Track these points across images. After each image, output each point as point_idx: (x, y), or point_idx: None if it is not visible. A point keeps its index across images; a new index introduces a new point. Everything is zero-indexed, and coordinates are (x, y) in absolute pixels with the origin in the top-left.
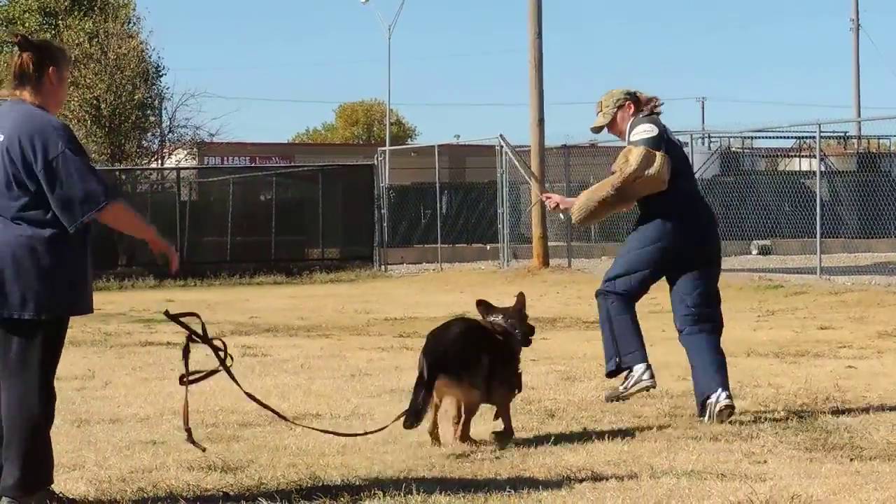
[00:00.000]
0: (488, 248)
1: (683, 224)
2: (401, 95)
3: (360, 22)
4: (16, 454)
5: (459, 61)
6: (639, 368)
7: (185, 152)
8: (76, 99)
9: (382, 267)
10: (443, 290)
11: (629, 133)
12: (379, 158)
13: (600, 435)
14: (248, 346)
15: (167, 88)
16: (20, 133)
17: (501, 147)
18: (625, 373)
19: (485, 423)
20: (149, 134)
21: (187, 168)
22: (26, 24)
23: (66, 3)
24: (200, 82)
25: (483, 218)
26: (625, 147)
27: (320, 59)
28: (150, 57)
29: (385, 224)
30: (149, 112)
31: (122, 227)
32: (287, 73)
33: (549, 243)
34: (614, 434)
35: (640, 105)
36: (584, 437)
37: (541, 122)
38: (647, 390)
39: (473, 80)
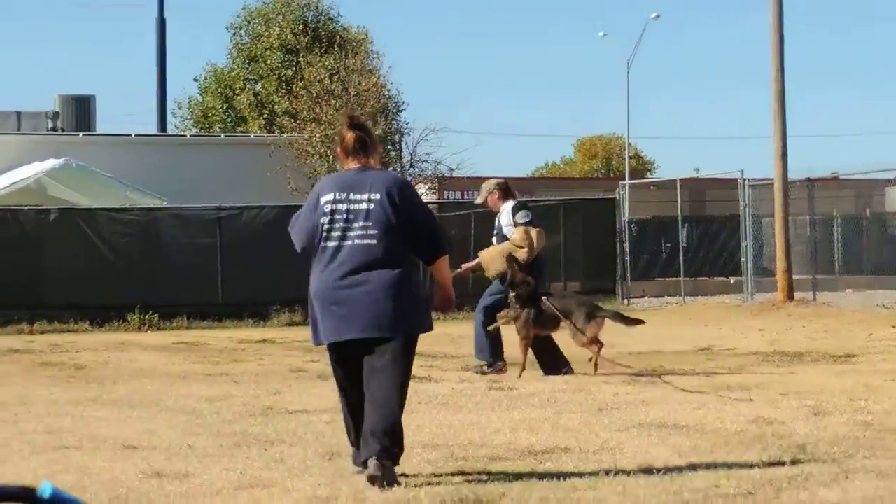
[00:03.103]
0: (732, 281)
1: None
2: (639, 128)
3: (599, 56)
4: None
5: (698, 94)
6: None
7: (427, 187)
8: (318, 135)
9: (625, 300)
10: (686, 324)
11: (513, 214)
12: (620, 192)
13: (854, 470)
14: (495, 381)
15: (407, 123)
16: (389, 189)
17: (744, 181)
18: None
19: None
20: (390, 168)
21: (429, 203)
22: (268, 62)
23: (306, 41)
24: (441, 117)
25: (724, 251)
26: (518, 226)
27: (559, 93)
28: (389, 92)
29: (627, 257)
30: (389, 147)
31: (442, 272)
32: (526, 108)
33: (794, 276)
34: (868, 470)
35: (509, 192)
36: (838, 472)
37: (784, 155)
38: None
39: (712, 113)
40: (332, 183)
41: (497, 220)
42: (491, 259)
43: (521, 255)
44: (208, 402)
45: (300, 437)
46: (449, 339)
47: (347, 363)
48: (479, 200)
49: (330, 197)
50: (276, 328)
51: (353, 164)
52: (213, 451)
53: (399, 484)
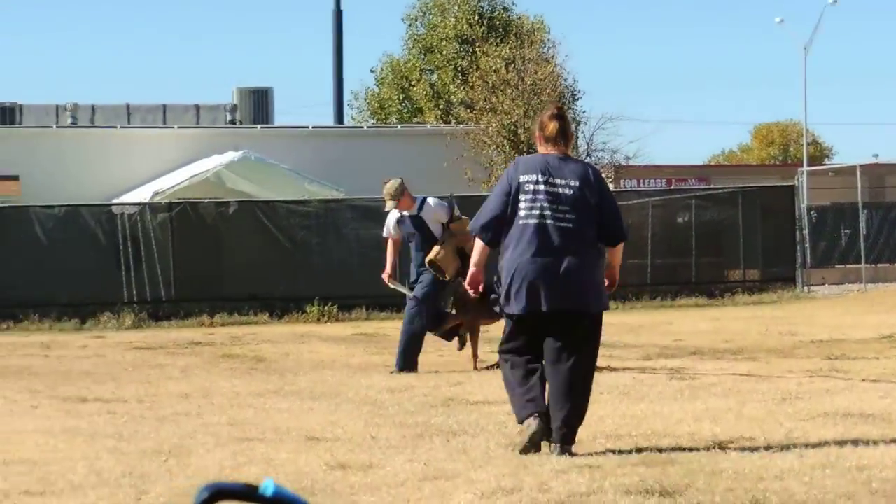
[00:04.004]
0: None
1: None
2: (817, 114)
3: (776, 42)
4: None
5: (877, 79)
6: None
7: (604, 176)
8: (495, 124)
9: (805, 288)
10: (869, 311)
11: (446, 208)
12: (798, 179)
13: None
14: (675, 370)
15: (584, 112)
16: (586, 177)
17: None
18: None
19: None
20: (574, 145)
21: None
22: (444, 52)
23: (481, 31)
24: (617, 106)
25: None
26: (461, 219)
27: (736, 79)
28: (565, 81)
29: (807, 245)
30: None
31: (617, 255)
32: (703, 95)
33: None
34: None
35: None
36: None
37: None
38: None
39: (891, 99)
40: (533, 165)
41: (398, 221)
42: (448, 262)
43: (469, 243)
44: (389, 393)
45: (482, 427)
46: (628, 327)
47: (531, 334)
48: (389, 207)
49: (533, 178)
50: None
51: (552, 151)
52: (396, 442)
53: (573, 454)
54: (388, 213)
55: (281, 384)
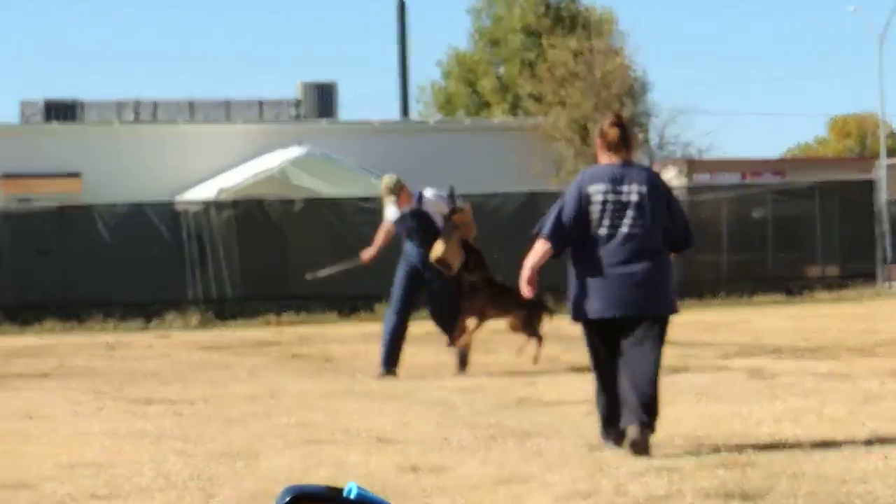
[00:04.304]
0: None
1: None
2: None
3: (850, 31)
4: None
5: None
6: None
7: (676, 170)
8: (563, 118)
9: (886, 284)
10: None
11: (445, 198)
12: (876, 172)
13: None
14: (754, 369)
15: (654, 105)
16: (651, 184)
17: None
18: None
19: None
20: (637, 152)
21: (678, 187)
22: (510, 44)
23: (548, 23)
24: (690, 97)
25: None
26: (464, 209)
27: (810, 70)
28: (635, 73)
29: (886, 240)
30: (636, 129)
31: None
32: (777, 87)
33: None
34: None
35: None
36: None
37: None
38: None
39: None
40: (599, 175)
41: (398, 221)
42: (454, 255)
43: (472, 234)
44: (461, 394)
45: (557, 429)
46: (704, 325)
47: (608, 339)
48: (388, 202)
49: (601, 188)
50: None
51: (614, 159)
52: (469, 444)
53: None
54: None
55: (350, 385)
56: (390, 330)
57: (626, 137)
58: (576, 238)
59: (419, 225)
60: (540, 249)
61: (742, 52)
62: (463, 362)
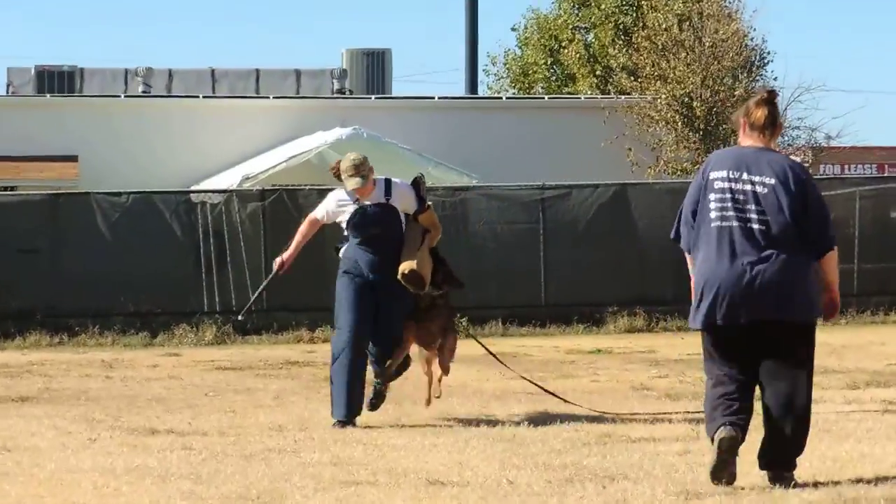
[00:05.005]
0: None
1: None
2: None
3: None
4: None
5: None
6: None
7: (800, 159)
8: (664, 96)
9: None
10: None
11: (421, 191)
12: None
13: None
14: (889, 401)
15: (775, 79)
16: (785, 175)
17: None
18: None
19: None
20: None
21: None
22: (602, 6)
23: None
24: (818, 73)
25: None
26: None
27: None
28: (753, 42)
29: None
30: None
31: (830, 272)
32: None
33: None
34: None
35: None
36: None
37: None
38: None
39: None
40: (726, 159)
41: (354, 209)
42: (427, 268)
43: (437, 238)
44: (531, 427)
45: (647, 471)
46: (829, 349)
47: (729, 349)
48: (352, 186)
49: (723, 174)
50: (613, 335)
51: (754, 142)
52: (540, 489)
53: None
54: (350, 193)
55: (397, 415)
56: (347, 364)
57: (773, 119)
58: (696, 230)
59: (382, 224)
60: (689, 259)
61: (884, 18)
62: (378, 398)
